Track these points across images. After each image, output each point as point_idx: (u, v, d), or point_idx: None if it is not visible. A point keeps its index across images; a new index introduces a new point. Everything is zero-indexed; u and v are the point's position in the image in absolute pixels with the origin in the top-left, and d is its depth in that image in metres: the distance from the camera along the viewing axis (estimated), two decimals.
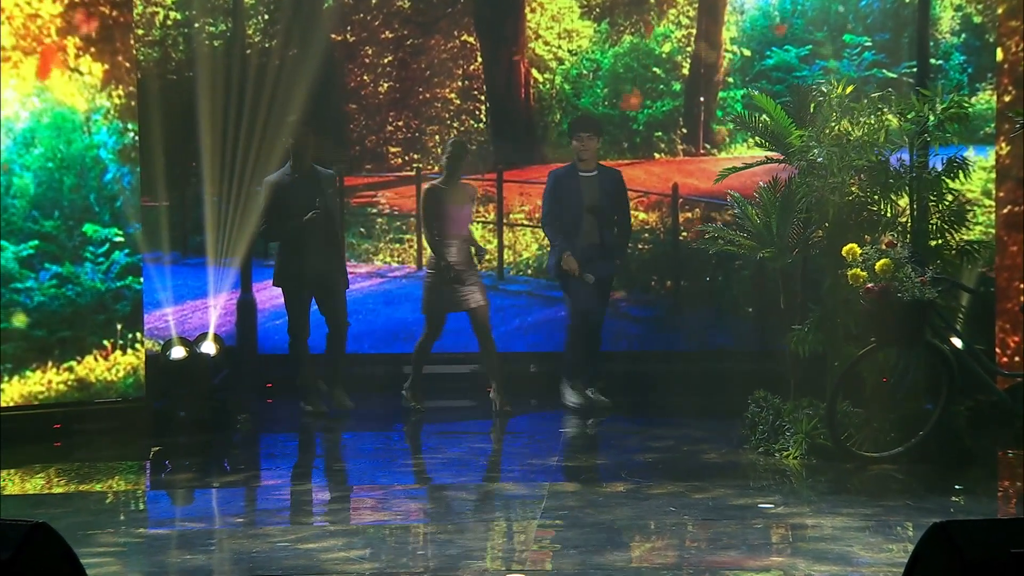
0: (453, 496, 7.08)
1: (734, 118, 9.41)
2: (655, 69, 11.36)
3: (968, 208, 8.37)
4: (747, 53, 11.21)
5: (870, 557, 5.49)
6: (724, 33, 11.23)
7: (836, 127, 7.83)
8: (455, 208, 9.50)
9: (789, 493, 6.99)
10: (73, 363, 9.15)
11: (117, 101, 9.26)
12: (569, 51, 11.44)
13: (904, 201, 7.89)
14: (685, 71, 11.35)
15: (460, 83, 11.55)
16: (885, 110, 7.81)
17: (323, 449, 9.14)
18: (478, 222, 10.97)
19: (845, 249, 7.35)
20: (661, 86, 11.34)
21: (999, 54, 9.47)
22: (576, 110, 11.34)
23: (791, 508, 6.55)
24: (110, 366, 9.26)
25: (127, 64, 9.34)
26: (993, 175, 9.86)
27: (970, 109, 7.94)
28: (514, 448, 8.91)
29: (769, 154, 8.47)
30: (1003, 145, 9.33)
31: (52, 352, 9.09)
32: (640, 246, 11.08)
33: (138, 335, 9.42)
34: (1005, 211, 9.37)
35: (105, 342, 9.26)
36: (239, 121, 10.42)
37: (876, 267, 7.20)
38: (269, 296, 11.05)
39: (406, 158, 11.58)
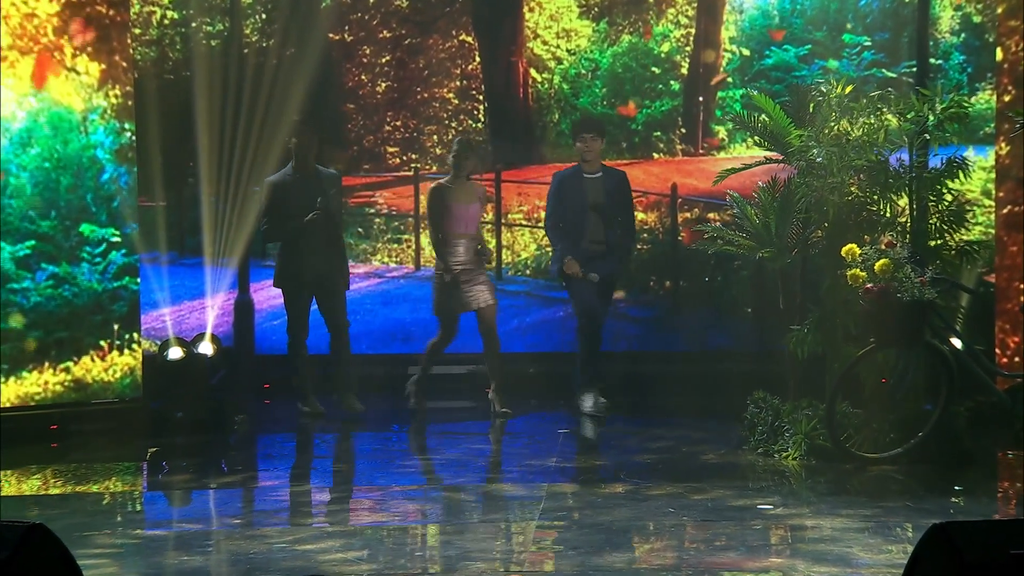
0: (451, 497, 7.07)
1: (733, 118, 9.39)
2: (654, 69, 11.34)
3: (968, 208, 8.37)
4: (746, 53, 11.20)
5: (869, 558, 5.47)
6: (723, 33, 11.22)
7: (835, 127, 7.83)
8: (461, 207, 9.44)
9: (788, 494, 6.97)
10: (70, 364, 9.13)
11: (114, 101, 9.24)
12: (568, 51, 11.43)
13: (903, 201, 7.87)
14: (684, 71, 11.34)
15: (458, 83, 11.54)
16: (884, 110, 7.80)
17: (321, 450, 9.12)
18: None
19: (844, 249, 7.34)
20: (660, 86, 11.33)
21: (999, 54, 9.46)
22: (575, 110, 11.32)
23: (790, 509, 6.53)
24: (107, 367, 9.24)
25: (124, 64, 9.33)
26: (993, 175, 9.85)
27: (970, 109, 7.92)
28: (513, 449, 8.90)
29: (768, 154, 8.46)
30: (1003, 145, 9.32)
31: (49, 353, 9.08)
32: (639, 246, 11.07)
33: (135, 335, 9.41)
34: (1005, 211, 9.36)
35: (102, 343, 9.25)
36: (236, 121, 10.40)
37: (875, 267, 7.19)
38: (267, 296, 11.04)
39: (404, 158, 11.57)
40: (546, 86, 11.45)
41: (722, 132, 11.24)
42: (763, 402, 8.14)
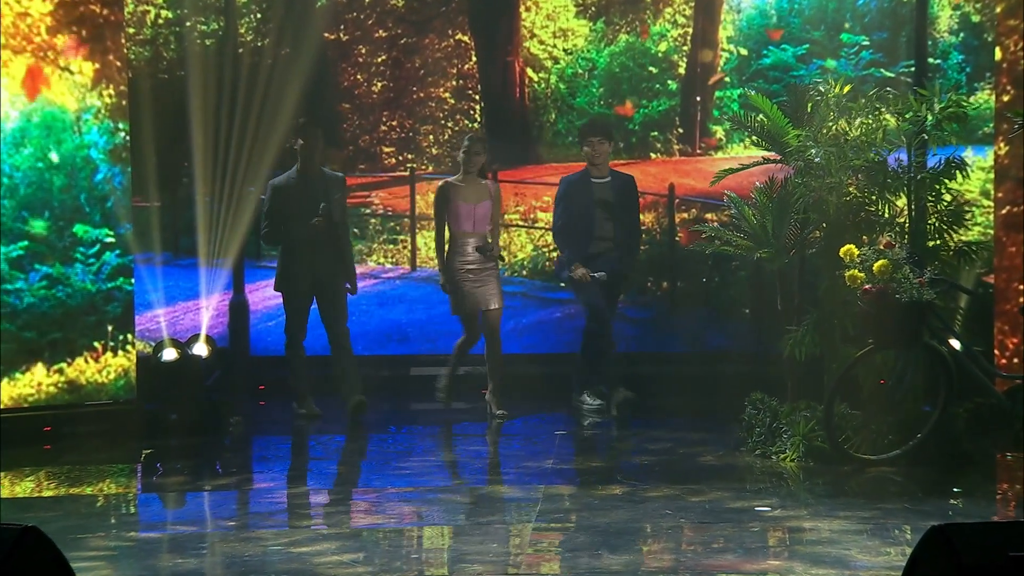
0: (448, 499, 7.04)
1: (731, 118, 9.37)
2: (651, 68, 11.32)
3: (966, 209, 8.38)
4: (744, 52, 11.18)
5: (868, 560, 5.47)
6: (721, 32, 11.20)
7: (833, 127, 7.82)
8: (468, 206, 9.37)
9: (786, 496, 6.99)
10: (63, 365, 9.09)
11: (108, 100, 9.20)
12: (564, 50, 11.41)
13: (902, 202, 7.87)
14: (681, 70, 11.31)
15: (454, 82, 11.52)
16: (883, 110, 7.80)
17: (316, 452, 9.10)
18: None
19: (843, 250, 7.33)
20: (657, 85, 11.30)
21: (997, 53, 9.44)
22: (571, 110, 11.30)
23: (788, 511, 6.53)
24: (101, 368, 9.20)
25: (118, 63, 9.28)
26: (991, 175, 9.83)
27: (968, 109, 7.91)
28: (509, 451, 8.87)
29: (766, 154, 8.44)
30: (1002, 145, 9.30)
31: (42, 354, 9.03)
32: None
33: (129, 337, 9.37)
34: (1004, 212, 9.33)
35: (96, 344, 9.21)
36: (231, 121, 10.37)
37: (874, 268, 7.19)
38: (262, 297, 11.02)
39: (400, 158, 11.54)
40: (543, 86, 11.43)
41: (720, 132, 11.22)
42: (761, 403, 8.11)
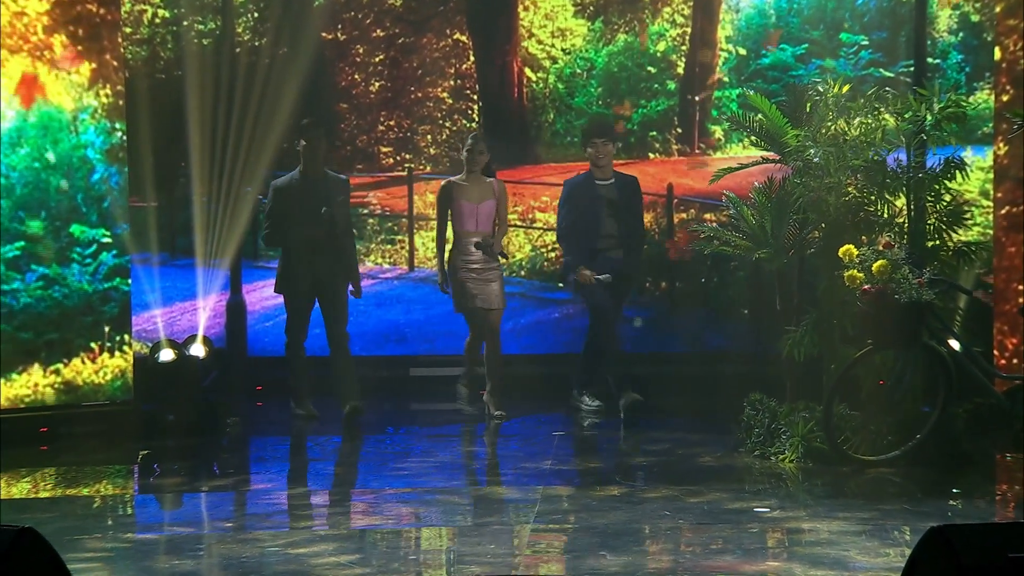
0: (445, 500, 7.02)
1: (729, 118, 9.35)
2: (649, 68, 11.30)
3: (966, 209, 8.36)
4: (743, 52, 11.16)
5: (867, 562, 5.46)
6: (719, 32, 11.19)
7: (832, 127, 7.81)
8: (472, 205, 9.33)
9: (785, 497, 6.98)
10: (60, 366, 9.07)
11: (105, 100, 9.18)
12: (563, 50, 11.39)
13: (901, 202, 7.86)
14: (680, 70, 11.30)
15: (452, 82, 11.49)
16: (882, 109, 7.79)
17: (314, 452, 9.08)
18: None
19: (842, 250, 7.32)
20: (655, 85, 11.29)
21: (997, 53, 9.43)
22: (569, 109, 11.28)
23: (787, 512, 6.53)
24: (98, 369, 9.19)
25: (115, 63, 9.27)
26: (991, 175, 9.82)
27: (968, 109, 7.91)
28: (507, 452, 8.85)
29: (765, 154, 8.42)
30: (1001, 145, 9.29)
31: (39, 355, 9.01)
32: None
33: (126, 337, 9.35)
34: (1003, 212, 9.33)
35: (93, 344, 9.19)
36: (228, 120, 10.35)
37: (873, 268, 7.18)
38: (259, 298, 11.00)
39: (397, 158, 11.52)
40: (541, 85, 11.41)
41: (718, 132, 11.20)
42: (760, 404, 8.10)
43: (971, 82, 10.68)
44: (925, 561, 3.24)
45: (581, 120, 11.24)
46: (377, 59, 11.53)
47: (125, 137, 9.33)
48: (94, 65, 9.12)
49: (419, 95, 11.49)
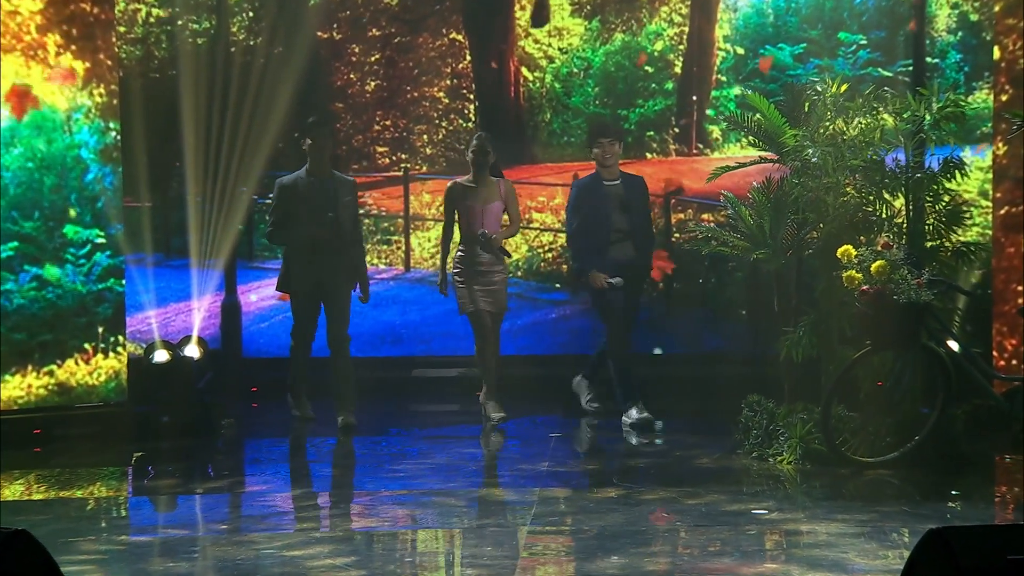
0: (441, 502, 6.99)
1: (727, 117, 9.32)
2: (647, 68, 11.28)
3: (965, 209, 8.34)
4: (740, 51, 11.14)
5: (865, 564, 5.44)
6: (717, 31, 11.16)
7: (831, 126, 7.81)
8: (478, 206, 9.26)
9: (783, 499, 6.96)
10: (54, 367, 9.04)
11: (99, 100, 9.15)
12: (560, 49, 11.37)
13: (900, 202, 7.86)
14: (677, 69, 11.27)
15: (449, 81, 11.47)
16: (880, 109, 7.79)
17: (309, 454, 9.06)
18: None
19: (840, 251, 7.31)
20: (653, 85, 11.26)
21: (996, 52, 9.42)
22: (567, 109, 11.26)
23: (785, 514, 6.50)
24: (91, 370, 9.16)
25: (109, 62, 9.24)
26: (990, 175, 9.81)
27: (966, 108, 7.92)
28: (504, 453, 8.83)
29: (763, 154, 8.39)
30: (1000, 145, 9.27)
31: (32, 356, 8.98)
32: None
33: (120, 338, 9.33)
34: (1002, 212, 9.31)
35: (86, 345, 9.16)
36: (223, 120, 10.33)
37: (872, 269, 7.17)
38: (254, 299, 10.97)
39: (393, 158, 11.50)
40: (538, 85, 11.39)
41: (716, 132, 11.18)
42: (758, 405, 8.08)
43: (970, 81, 10.67)
44: (924, 563, 3.24)
45: (578, 120, 11.22)
46: (373, 58, 11.51)
47: (119, 137, 9.30)
48: (88, 64, 9.09)
49: (415, 95, 11.47)
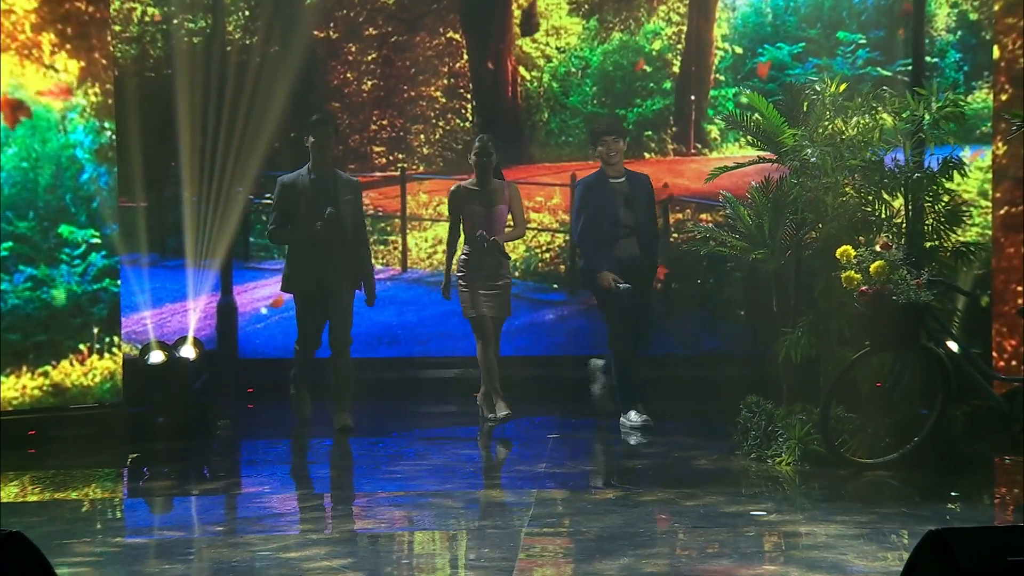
0: (438, 504, 6.97)
1: (726, 117, 9.29)
2: (645, 67, 11.26)
3: (964, 209, 8.33)
4: (739, 51, 11.13)
5: (864, 565, 5.42)
6: (715, 30, 11.15)
7: (829, 126, 7.82)
8: (482, 209, 9.20)
9: (782, 500, 6.95)
10: (48, 368, 9.03)
11: (94, 99, 9.14)
12: (557, 48, 11.35)
13: (899, 202, 7.86)
14: (676, 69, 11.26)
15: (446, 81, 11.45)
16: (879, 109, 7.80)
17: (305, 456, 9.03)
18: None
19: (839, 251, 7.30)
20: (651, 84, 11.24)
21: (996, 52, 9.43)
22: (564, 109, 11.24)
23: (784, 515, 6.49)
24: (86, 371, 9.15)
25: (104, 61, 9.23)
26: (990, 175, 9.80)
27: (966, 108, 7.92)
28: (501, 454, 8.81)
29: (761, 154, 8.38)
30: (1000, 145, 9.26)
31: (27, 356, 8.97)
32: None
33: (115, 339, 9.31)
34: (1002, 212, 9.31)
35: (81, 346, 9.15)
36: (219, 120, 10.32)
37: (871, 269, 7.17)
38: (250, 299, 10.96)
39: (390, 158, 11.48)
40: (535, 84, 11.37)
41: (714, 132, 11.16)
42: (756, 406, 8.07)
43: (969, 81, 10.67)
44: (923, 565, 3.23)
45: (576, 119, 11.20)
46: (369, 58, 11.49)
47: (114, 136, 9.29)
48: (83, 63, 9.07)
49: (412, 94, 11.45)
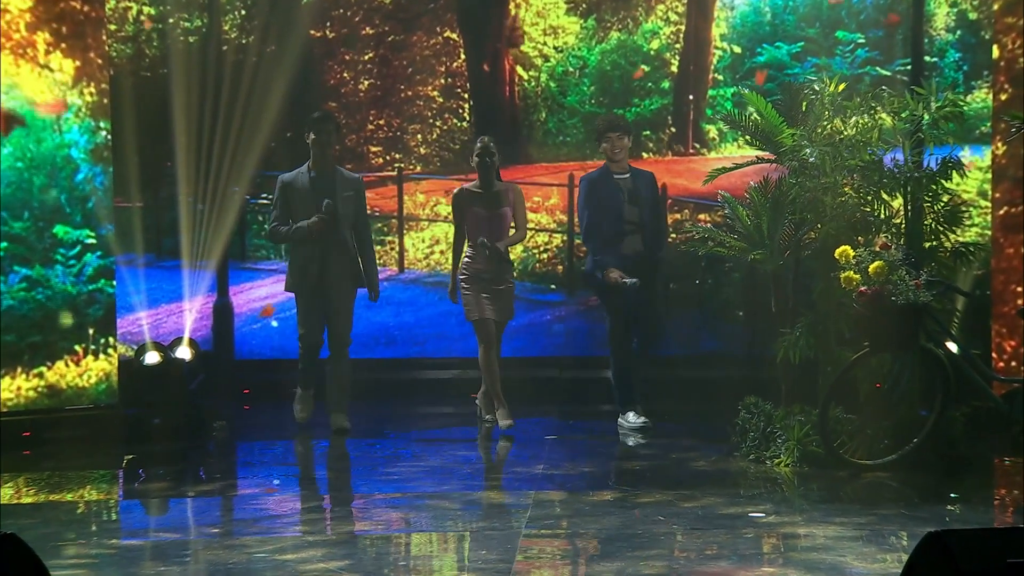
0: (436, 505, 6.95)
1: (724, 117, 9.27)
2: (643, 67, 11.25)
3: (964, 209, 8.32)
4: (737, 50, 11.11)
5: (864, 567, 5.42)
6: (714, 29, 11.13)
7: (828, 126, 7.82)
8: (485, 213, 9.14)
9: (780, 501, 6.94)
10: (43, 369, 9.02)
11: (89, 99, 9.12)
12: (555, 48, 11.33)
13: (898, 202, 7.86)
14: (674, 68, 11.24)
15: (443, 80, 11.44)
16: (878, 108, 7.80)
17: (302, 457, 9.00)
18: None
19: (838, 251, 7.30)
20: (649, 84, 11.22)
21: (995, 51, 9.42)
22: (562, 108, 11.22)
23: (783, 517, 6.48)
24: (82, 372, 9.13)
25: (99, 61, 9.21)
26: (989, 175, 9.79)
27: (965, 108, 7.94)
28: (499, 456, 8.79)
29: (760, 154, 8.36)
30: (999, 145, 9.25)
31: (21, 357, 8.96)
32: None
33: (111, 340, 9.31)
34: (1001, 212, 9.30)
35: (77, 347, 9.15)
36: (215, 120, 10.31)
37: (870, 270, 7.16)
38: (246, 300, 10.95)
39: (387, 158, 11.46)
40: (533, 84, 11.35)
41: (713, 132, 11.14)
42: (755, 407, 8.06)
43: (969, 81, 10.65)
44: (923, 566, 3.24)
45: (574, 119, 11.18)
46: (366, 57, 11.47)
47: (110, 136, 9.28)
48: (78, 63, 9.06)
49: (409, 94, 11.43)
